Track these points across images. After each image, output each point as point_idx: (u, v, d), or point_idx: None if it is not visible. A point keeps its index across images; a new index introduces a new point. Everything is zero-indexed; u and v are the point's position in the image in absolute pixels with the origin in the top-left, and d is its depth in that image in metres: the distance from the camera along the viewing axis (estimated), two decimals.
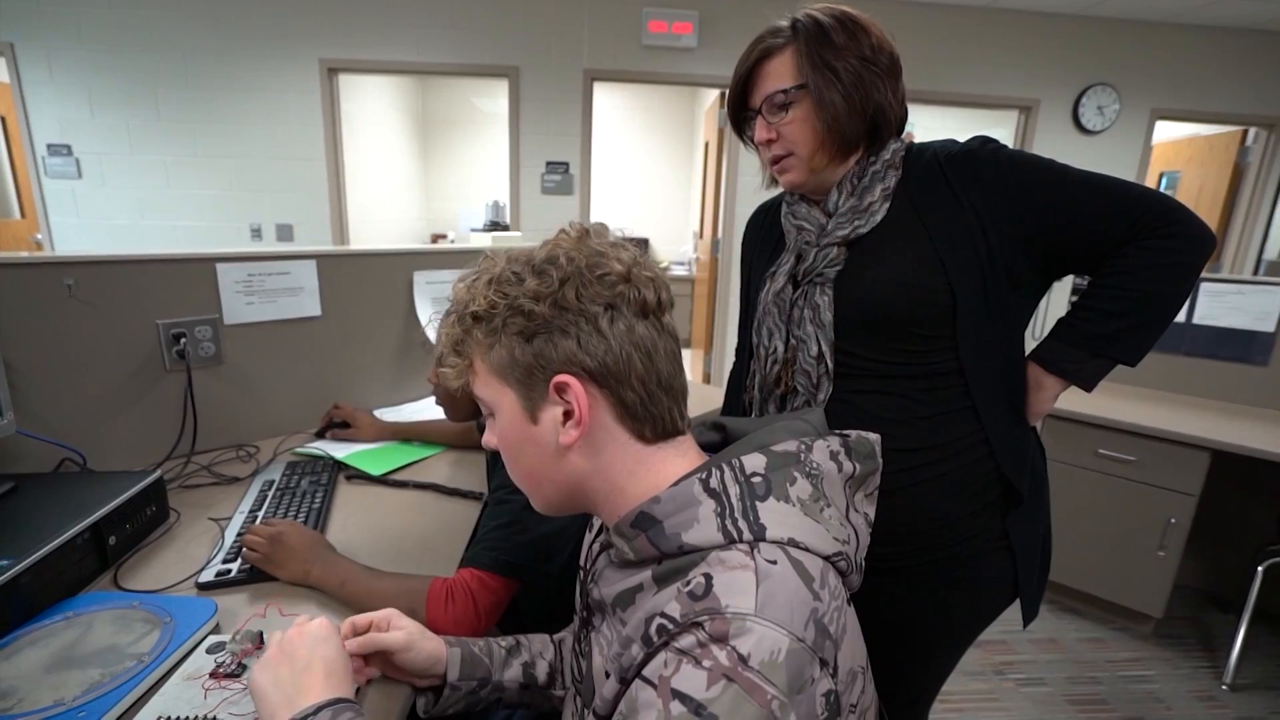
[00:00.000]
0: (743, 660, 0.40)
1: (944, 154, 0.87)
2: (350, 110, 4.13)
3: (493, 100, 6.12)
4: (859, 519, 0.57)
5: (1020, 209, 0.82)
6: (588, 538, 0.73)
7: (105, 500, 0.91)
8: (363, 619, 0.67)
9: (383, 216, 5.12)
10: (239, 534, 0.99)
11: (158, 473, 1.03)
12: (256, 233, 3.91)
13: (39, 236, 3.90)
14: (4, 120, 4.27)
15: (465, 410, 1.05)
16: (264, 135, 3.78)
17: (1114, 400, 2.14)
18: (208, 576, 0.89)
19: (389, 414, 1.55)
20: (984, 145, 0.86)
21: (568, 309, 0.52)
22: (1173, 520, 1.90)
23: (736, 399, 1.08)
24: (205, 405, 1.31)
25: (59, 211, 3.84)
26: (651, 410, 0.54)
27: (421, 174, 6.31)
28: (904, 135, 0.93)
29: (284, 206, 3.89)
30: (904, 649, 0.90)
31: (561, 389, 0.52)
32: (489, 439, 0.60)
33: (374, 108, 4.97)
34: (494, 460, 1.09)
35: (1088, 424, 2.01)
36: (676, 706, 0.40)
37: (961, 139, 0.90)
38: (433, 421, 1.45)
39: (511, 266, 0.54)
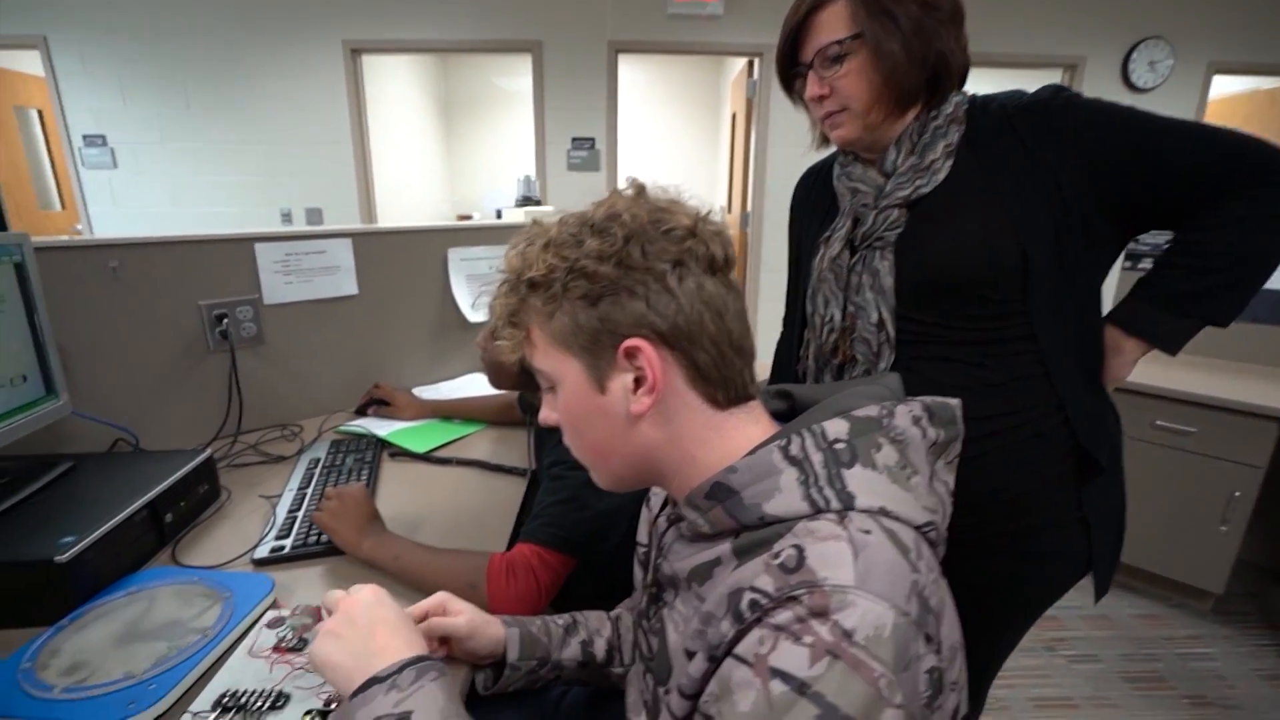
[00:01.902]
0: (847, 635, 0.38)
1: (1012, 105, 0.82)
2: (374, 93, 4.11)
3: (514, 79, 6.06)
4: (941, 488, 0.53)
5: (1099, 161, 0.77)
6: (645, 514, 0.71)
7: (160, 479, 0.92)
8: (418, 609, 0.65)
9: (409, 199, 5.13)
10: (290, 511, 0.99)
11: (208, 451, 1.04)
12: (287, 217, 3.95)
13: (79, 227, 3.99)
14: (41, 113, 4.36)
15: (512, 379, 1.03)
16: (291, 120, 3.80)
17: (1171, 370, 2.04)
18: (262, 553, 0.89)
19: (426, 392, 1.54)
20: (1057, 94, 0.80)
21: (634, 268, 0.49)
22: (1237, 494, 1.82)
23: (787, 370, 1.04)
24: (248, 385, 1.32)
25: (97, 202, 3.92)
26: (724, 373, 0.51)
27: (445, 156, 6.31)
28: None
29: (312, 190, 3.91)
30: (972, 623, 0.86)
31: (632, 354, 0.49)
32: (547, 415, 0.57)
33: (397, 89, 4.96)
34: (542, 436, 1.07)
35: (1145, 394, 1.93)
36: (778, 685, 0.38)
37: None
38: (472, 399, 1.45)
39: (568, 228, 0.52)
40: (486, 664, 0.70)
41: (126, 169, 3.85)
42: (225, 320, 1.27)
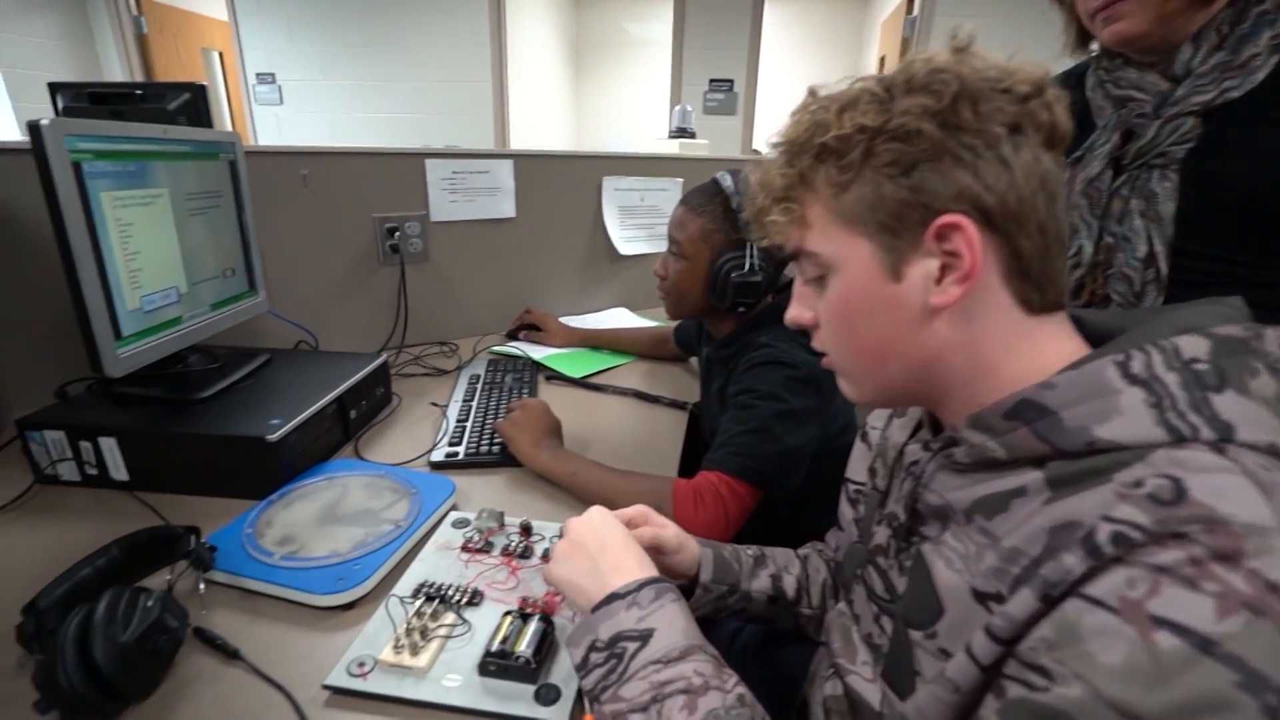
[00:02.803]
0: (1273, 589, 0.29)
1: None
2: (510, 35, 4.13)
3: (645, 25, 5.92)
4: None
5: None
6: (860, 449, 0.64)
7: (344, 377, 0.95)
8: (623, 514, 0.63)
9: (538, 144, 5.19)
10: (458, 420, 1.00)
11: (383, 357, 1.07)
12: None
13: None
14: (221, 55, 4.76)
15: (693, 305, 0.96)
16: (434, 58, 3.90)
17: None
18: (438, 456, 0.90)
19: (572, 322, 1.53)
20: None
21: (963, 129, 0.40)
22: None
23: None
24: (411, 300, 1.35)
25: (266, 137, 4.25)
26: (1046, 269, 0.42)
27: (574, 100, 6.31)
28: None
29: (451, 128, 4.02)
30: None
31: (945, 234, 0.41)
32: (800, 314, 0.50)
33: (532, 31, 4.96)
34: (711, 367, 1.01)
35: None
36: (1167, 639, 0.29)
37: None
38: (623, 330, 1.42)
39: (871, 88, 0.43)
40: (678, 584, 0.66)
41: (291, 105, 4.13)
42: (396, 234, 1.30)
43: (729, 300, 0.89)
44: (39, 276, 0.94)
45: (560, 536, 0.57)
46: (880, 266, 0.43)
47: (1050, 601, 0.35)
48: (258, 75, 4.10)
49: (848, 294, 0.46)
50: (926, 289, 0.42)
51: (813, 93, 0.48)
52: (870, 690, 0.52)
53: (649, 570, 0.52)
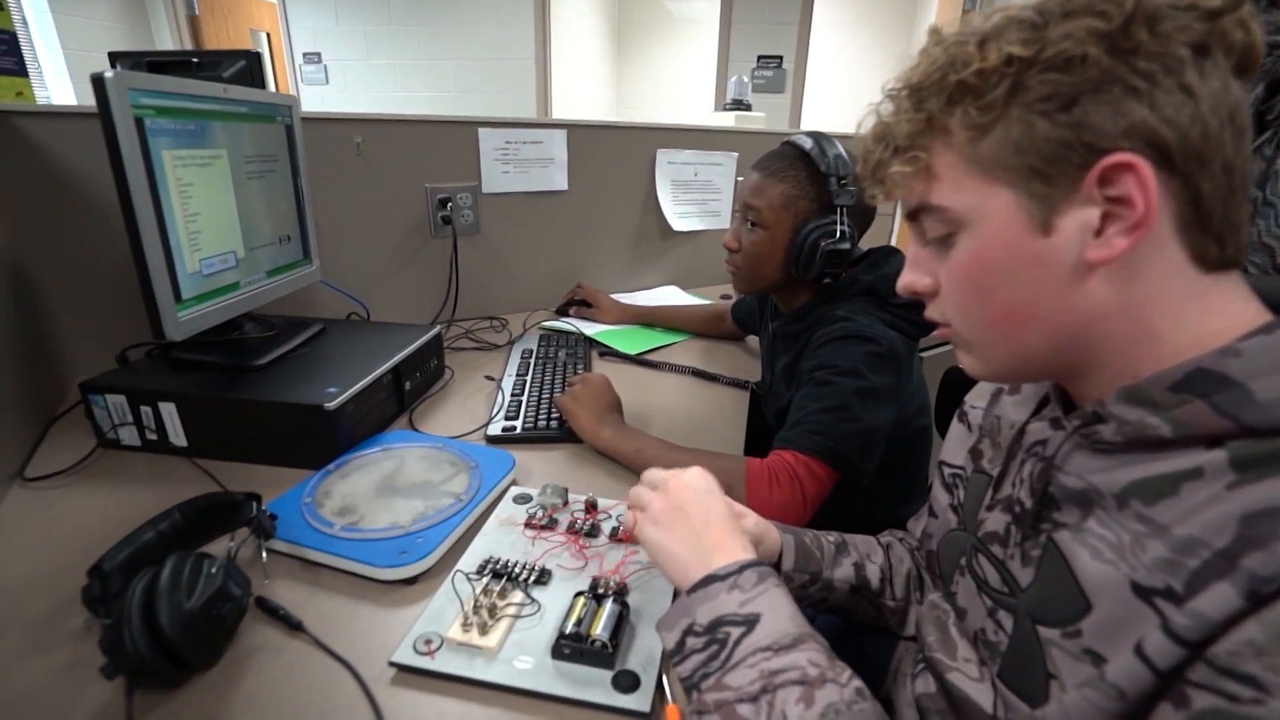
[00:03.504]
0: None
1: None
2: (553, 14, 4.07)
3: (687, 4, 5.79)
4: None
5: None
6: (959, 430, 0.59)
7: (399, 348, 0.93)
8: None
9: None
10: (513, 394, 0.97)
11: (437, 328, 1.05)
12: None
13: None
14: (269, 35, 4.83)
15: (769, 277, 0.90)
16: (479, 36, 3.87)
17: None
18: (495, 430, 0.87)
19: (623, 300, 1.49)
20: None
21: (1137, 53, 0.34)
22: None
23: None
24: (462, 273, 1.32)
25: None
26: (1229, 218, 0.36)
27: (615, 81, 6.23)
28: None
29: (495, 108, 4.01)
30: None
31: (1111, 177, 0.35)
32: (915, 279, 0.45)
33: (574, 8, 4.88)
34: (776, 345, 0.96)
35: None
36: None
37: None
38: (678, 307, 1.37)
39: (1020, 15, 0.37)
40: None
41: (336, 85, 4.17)
42: (449, 205, 1.27)
43: (815, 271, 0.83)
44: (100, 243, 0.93)
45: (632, 512, 0.54)
46: (1026, 218, 0.38)
47: (1257, 600, 0.29)
48: (304, 55, 4.14)
49: (982, 252, 0.40)
50: (1083, 242, 0.36)
51: (937, 31, 0.42)
52: (979, 691, 0.47)
53: (749, 551, 0.48)
